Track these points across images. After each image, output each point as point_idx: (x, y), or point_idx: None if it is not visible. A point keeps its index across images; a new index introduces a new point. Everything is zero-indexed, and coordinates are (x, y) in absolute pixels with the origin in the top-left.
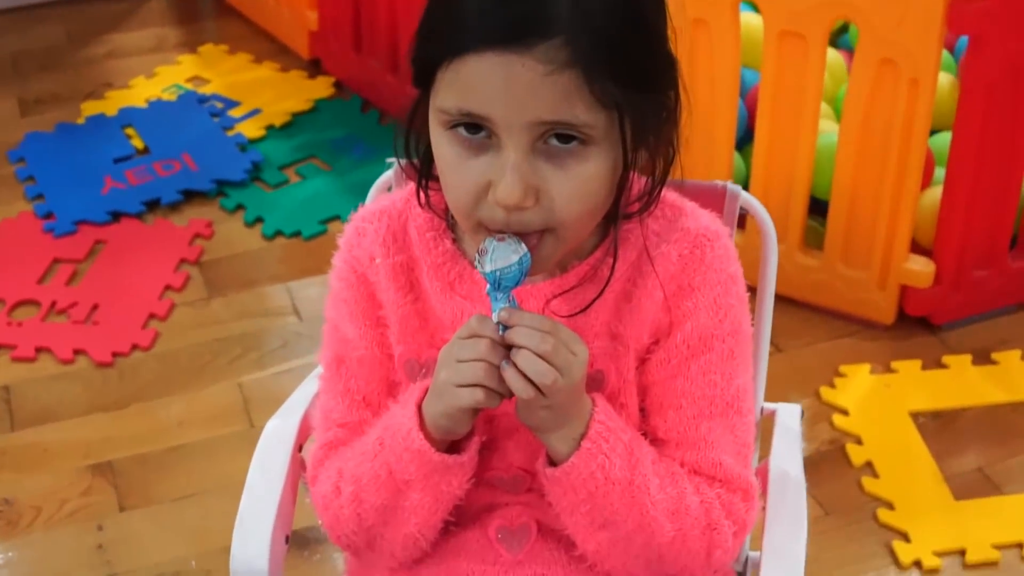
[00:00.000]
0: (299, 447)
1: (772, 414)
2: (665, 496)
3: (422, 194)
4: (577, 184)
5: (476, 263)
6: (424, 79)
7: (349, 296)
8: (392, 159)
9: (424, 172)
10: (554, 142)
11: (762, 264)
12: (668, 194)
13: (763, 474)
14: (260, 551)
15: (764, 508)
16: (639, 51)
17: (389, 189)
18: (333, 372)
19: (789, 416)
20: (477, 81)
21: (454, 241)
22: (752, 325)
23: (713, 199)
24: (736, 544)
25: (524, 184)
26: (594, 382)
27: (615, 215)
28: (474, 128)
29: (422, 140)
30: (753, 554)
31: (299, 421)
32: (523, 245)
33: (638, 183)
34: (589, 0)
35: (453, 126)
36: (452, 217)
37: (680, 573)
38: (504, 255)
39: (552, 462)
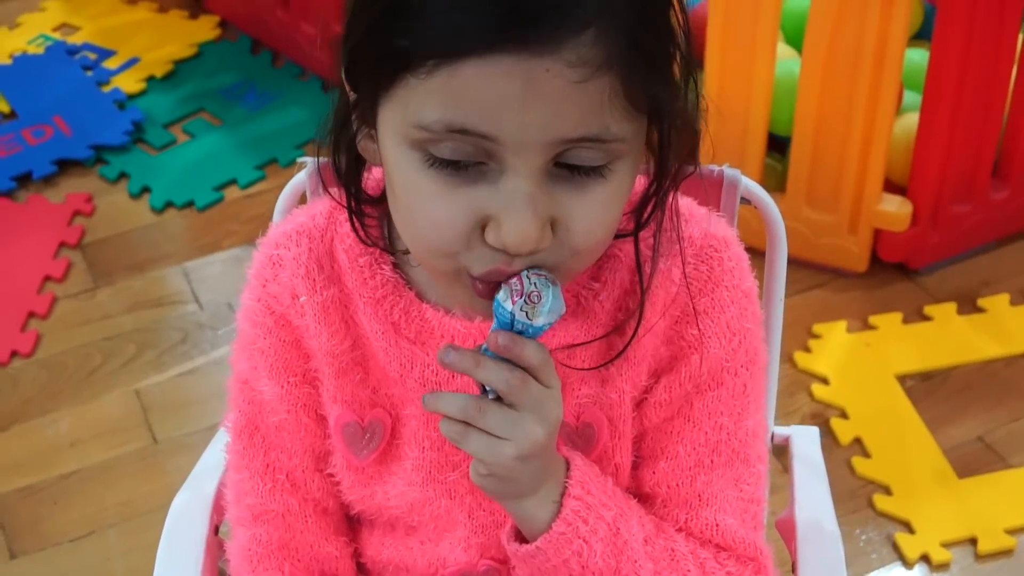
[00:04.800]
0: (215, 528)
1: (785, 441)
2: None
3: (358, 224)
4: (600, 209)
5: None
6: (376, 79)
7: (266, 345)
8: (305, 158)
9: (355, 196)
10: (573, 160)
11: (767, 266)
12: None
13: (787, 527)
14: None
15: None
16: (665, 34)
17: (304, 199)
18: (245, 443)
19: (807, 443)
20: (480, 92)
21: (395, 267)
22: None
23: (703, 187)
24: None
25: (540, 220)
26: (582, 438)
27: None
28: (462, 149)
29: (350, 156)
30: None
31: (213, 494)
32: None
33: None
34: None
35: (429, 146)
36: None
37: None
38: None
39: (518, 532)
